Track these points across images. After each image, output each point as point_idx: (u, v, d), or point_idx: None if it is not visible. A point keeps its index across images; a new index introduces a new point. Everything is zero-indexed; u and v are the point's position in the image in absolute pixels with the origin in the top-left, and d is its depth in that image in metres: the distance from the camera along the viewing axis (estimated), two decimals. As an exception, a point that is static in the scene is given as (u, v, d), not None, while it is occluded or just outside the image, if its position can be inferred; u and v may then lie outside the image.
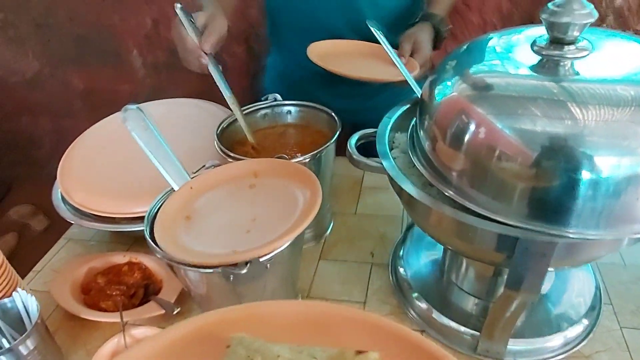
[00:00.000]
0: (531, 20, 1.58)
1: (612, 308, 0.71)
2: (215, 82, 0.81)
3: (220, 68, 0.79)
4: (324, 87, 1.07)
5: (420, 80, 0.77)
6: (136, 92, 2.14)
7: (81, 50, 2.06)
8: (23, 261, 0.86)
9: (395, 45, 0.95)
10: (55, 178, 0.89)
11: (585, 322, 0.68)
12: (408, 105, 0.73)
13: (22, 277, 0.76)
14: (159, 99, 1.05)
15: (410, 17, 1.04)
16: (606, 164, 0.47)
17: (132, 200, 0.81)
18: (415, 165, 0.62)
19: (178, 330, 0.39)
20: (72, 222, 0.82)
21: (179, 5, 0.78)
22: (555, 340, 0.65)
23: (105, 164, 0.89)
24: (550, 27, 0.53)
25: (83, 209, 0.82)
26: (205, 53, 0.77)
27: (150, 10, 1.84)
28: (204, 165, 0.72)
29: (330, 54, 0.96)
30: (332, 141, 0.77)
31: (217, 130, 0.82)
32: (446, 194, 0.56)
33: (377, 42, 0.94)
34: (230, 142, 0.85)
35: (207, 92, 2.00)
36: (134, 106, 0.64)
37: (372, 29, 0.86)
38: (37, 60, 2.12)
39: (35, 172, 2.38)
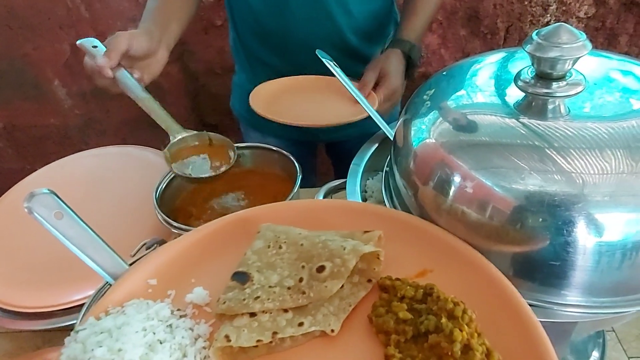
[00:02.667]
0: (476, 15, 1.54)
1: (616, 335, 0.66)
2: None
3: (134, 78, 0.70)
4: None
5: (385, 117, 0.68)
6: (65, 125, 1.94)
7: (-6, 85, 1.83)
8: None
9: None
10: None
11: (596, 354, 0.63)
12: (376, 145, 0.65)
13: None
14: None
15: (387, 27, 0.95)
16: (615, 226, 0.40)
17: (66, 287, 0.68)
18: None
19: (217, 224, 0.51)
20: (-10, 323, 0.68)
21: (77, 42, 0.72)
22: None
23: (22, 246, 0.75)
24: (536, 61, 0.45)
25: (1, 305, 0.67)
26: (110, 69, 0.68)
27: (67, 36, 1.65)
28: (145, 244, 0.61)
29: (279, 94, 0.83)
30: (294, 191, 0.68)
31: (156, 192, 0.70)
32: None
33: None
34: (173, 202, 0.73)
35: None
36: (42, 190, 0.52)
37: (323, 59, 0.75)
38: (-58, 101, 1.87)
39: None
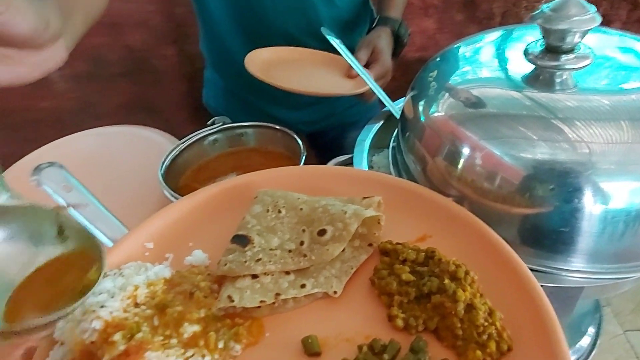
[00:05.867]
0: (472, 0, 1.54)
1: (611, 310, 0.69)
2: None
3: None
4: (273, 99, 0.94)
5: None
6: (59, 108, 1.91)
7: (-16, 67, 1.79)
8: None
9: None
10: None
11: (592, 330, 0.65)
12: (382, 122, 0.65)
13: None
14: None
15: (365, 20, 0.94)
16: (621, 194, 0.42)
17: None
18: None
19: (213, 189, 0.51)
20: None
21: None
22: None
23: None
24: (546, 33, 0.46)
25: None
26: None
27: (62, 17, 1.62)
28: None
29: (274, 63, 0.81)
30: (299, 168, 0.68)
31: (162, 169, 0.70)
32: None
33: (332, 50, 0.81)
34: (178, 179, 0.74)
35: (142, 99, 1.83)
36: (51, 163, 0.52)
37: (327, 36, 0.75)
38: None
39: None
